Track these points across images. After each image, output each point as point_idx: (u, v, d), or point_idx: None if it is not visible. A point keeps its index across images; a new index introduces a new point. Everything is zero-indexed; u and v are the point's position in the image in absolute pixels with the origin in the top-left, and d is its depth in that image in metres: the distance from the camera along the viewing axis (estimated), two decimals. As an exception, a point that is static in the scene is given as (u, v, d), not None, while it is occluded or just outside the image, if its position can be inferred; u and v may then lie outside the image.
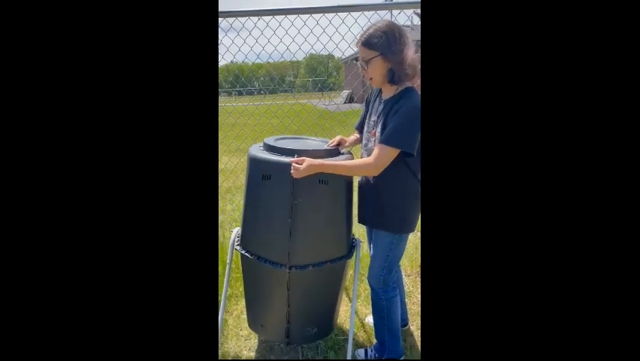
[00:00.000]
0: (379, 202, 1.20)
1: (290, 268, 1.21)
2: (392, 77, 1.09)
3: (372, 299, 1.35)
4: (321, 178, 1.18)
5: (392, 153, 1.06)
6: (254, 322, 1.43)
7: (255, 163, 1.24)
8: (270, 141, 1.32)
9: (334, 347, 1.48)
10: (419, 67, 1.08)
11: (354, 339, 1.39)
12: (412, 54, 1.07)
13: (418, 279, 2.02)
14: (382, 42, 1.05)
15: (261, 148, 1.31)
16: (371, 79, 1.14)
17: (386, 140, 1.06)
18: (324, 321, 1.40)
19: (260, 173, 1.22)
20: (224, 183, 3.21)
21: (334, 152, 1.30)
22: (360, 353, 1.41)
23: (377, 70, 1.10)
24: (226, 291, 1.39)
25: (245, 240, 1.33)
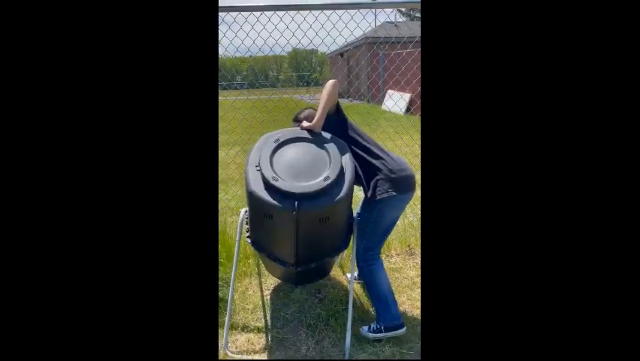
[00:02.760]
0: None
1: (296, 268, 1.35)
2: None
3: (358, 269, 1.50)
4: (322, 217, 1.22)
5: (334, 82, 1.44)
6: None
7: (255, 200, 1.22)
8: (267, 169, 1.22)
9: (334, 315, 1.64)
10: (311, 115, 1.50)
11: (352, 308, 1.54)
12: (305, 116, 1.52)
13: (407, 257, 2.19)
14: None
15: (258, 169, 1.24)
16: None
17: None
18: (327, 271, 1.64)
19: (261, 210, 1.23)
20: (218, 176, 3.30)
21: (334, 187, 1.24)
22: (364, 329, 1.49)
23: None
24: (235, 270, 1.51)
25: (253, 235, 1.43)
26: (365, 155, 1.42)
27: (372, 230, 1.43)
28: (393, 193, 1.37)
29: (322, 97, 1.41)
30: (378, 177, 1.38)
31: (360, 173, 1.41)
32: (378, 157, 1.42)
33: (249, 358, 1.41)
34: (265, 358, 1.41)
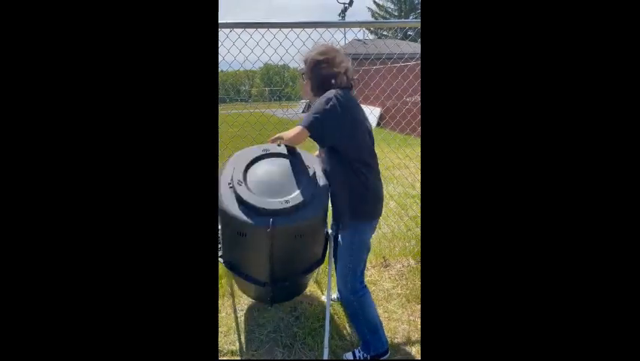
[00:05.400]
0: (332, 196, 1.33)
1: (272, 286, 1.31)
2: (312, 90, 1.37)
3: (342, 303, 1.41)
4: (297, 233, 1.20)
5: (301, 131, 1.26)
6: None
7: (228, 218, 1.19)
8: (240, 178, 1.21)
9: (311, 333, 1.60)
10: (351, 77, 1.33)
11: (329, 324, 1.52)
12: (342, 75, 1.31)
13: (382, 269, 2.21)
14: (307, 64, 1.35)
15: (230, 186, 1.22)
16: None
17: (301, 122, 1.29)
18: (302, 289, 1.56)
19: (235, 229, 1.20)
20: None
21: (314, 201, 1.22)
22: (349, 355, 1.43)
23: (304, 84, 1.40)
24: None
25: (226, 255, 1.37)
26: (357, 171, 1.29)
27: (356, 256, 1.34)
28: (375, 220, 1.36)
29: (289, 135, 1.29)
30: (362, 198, 1.29)
31: (342, 192, 1.30)
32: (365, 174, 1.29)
33: (249, 358, 1.34)
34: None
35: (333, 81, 1.30)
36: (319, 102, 1.26)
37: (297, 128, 1.26)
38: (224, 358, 1.49)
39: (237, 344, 1.56)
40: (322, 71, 1.31)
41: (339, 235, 1.37)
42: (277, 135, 1.36)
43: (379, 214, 1.38)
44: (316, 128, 1.24)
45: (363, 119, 1.34)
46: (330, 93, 1.26)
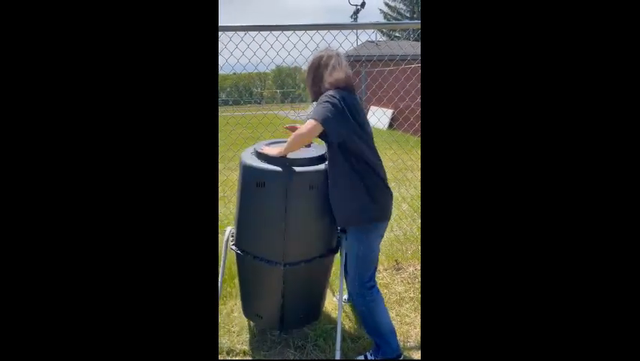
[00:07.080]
0: (337, 201, 1.33)
1: (284, 266, 1.33)
2: (313, 96, 1.41)
3: (355, 306, 1.41)
4: (311, 184, 1.30)
5: (315, 126, 1.26)
6: (249, 312, 1.54)
7: (248, 171, 1.32)
8: (262, 147, 1.38)
9: (323, 335, 1.60)
10: (347, 82, 1.35)
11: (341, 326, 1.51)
12: (337, 75, 1.33)
13: (394, 272, 2.19)
14: (308, 69, 1.41)
15: (253, 155, 1.37)
16: None
17: (309, 116, 1.31)
18: (314, 308, 1.53)
19: (254, 180, 1.30)
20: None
21: (320, 159, 1.36)
22: (360, 358, 1.43)
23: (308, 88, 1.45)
24: (220, 290, 1.47)
25: (240, 240, 1.42)
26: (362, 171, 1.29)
27: (362, 264, 1.33)
28: (382, 223, 1.33)
29: (289, 142, 1.30)
30: (368, 200, 1.28)
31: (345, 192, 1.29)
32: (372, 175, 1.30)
33: (261, 358, 1.36)
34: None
35: (327, 85, 1.32)
36: (322, 100, 1.28)
37: (311, 123, 1.26)
38: (237, 358, 1.50)
39: (249, 344, 1.57)
40: (318, 74, 1.35)
41: (347, 244, 1.37)
42: (290, 125, 1.45)
43: (387, 217, 1.35)
44: (329, 122, 1.25)
45: (365, 123, 1.33)
46: (329, 92, 1.29)
